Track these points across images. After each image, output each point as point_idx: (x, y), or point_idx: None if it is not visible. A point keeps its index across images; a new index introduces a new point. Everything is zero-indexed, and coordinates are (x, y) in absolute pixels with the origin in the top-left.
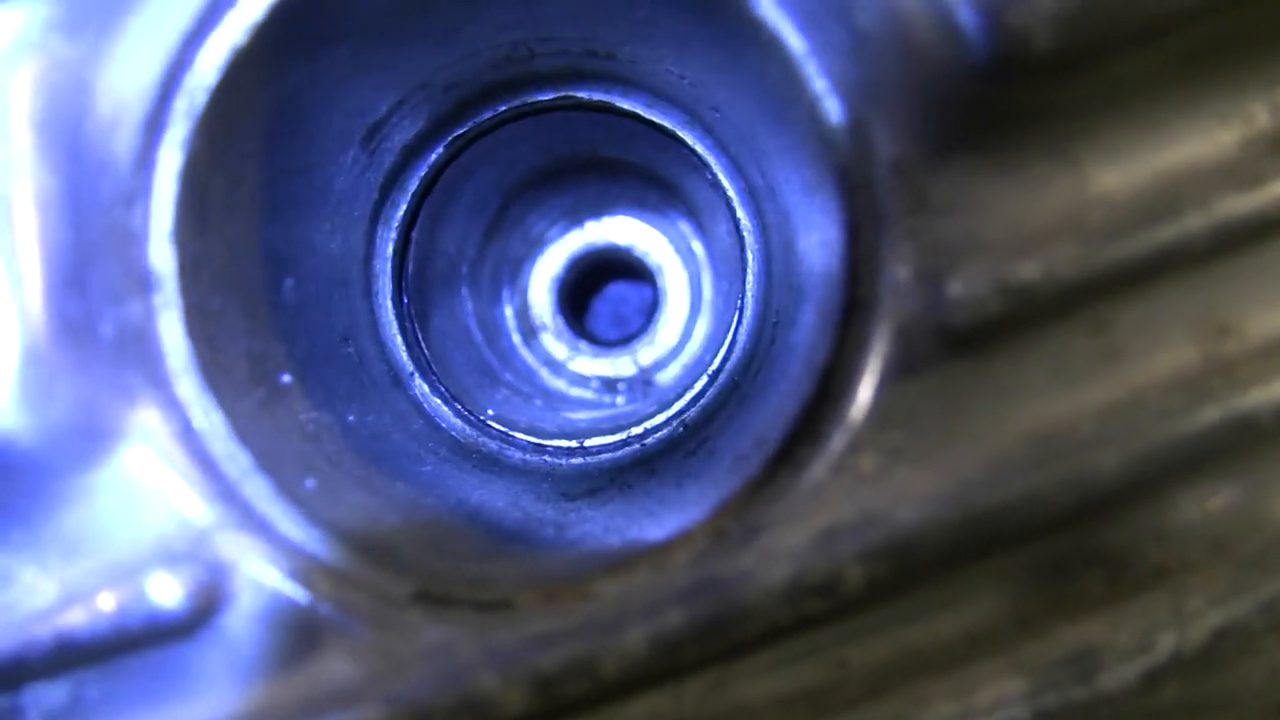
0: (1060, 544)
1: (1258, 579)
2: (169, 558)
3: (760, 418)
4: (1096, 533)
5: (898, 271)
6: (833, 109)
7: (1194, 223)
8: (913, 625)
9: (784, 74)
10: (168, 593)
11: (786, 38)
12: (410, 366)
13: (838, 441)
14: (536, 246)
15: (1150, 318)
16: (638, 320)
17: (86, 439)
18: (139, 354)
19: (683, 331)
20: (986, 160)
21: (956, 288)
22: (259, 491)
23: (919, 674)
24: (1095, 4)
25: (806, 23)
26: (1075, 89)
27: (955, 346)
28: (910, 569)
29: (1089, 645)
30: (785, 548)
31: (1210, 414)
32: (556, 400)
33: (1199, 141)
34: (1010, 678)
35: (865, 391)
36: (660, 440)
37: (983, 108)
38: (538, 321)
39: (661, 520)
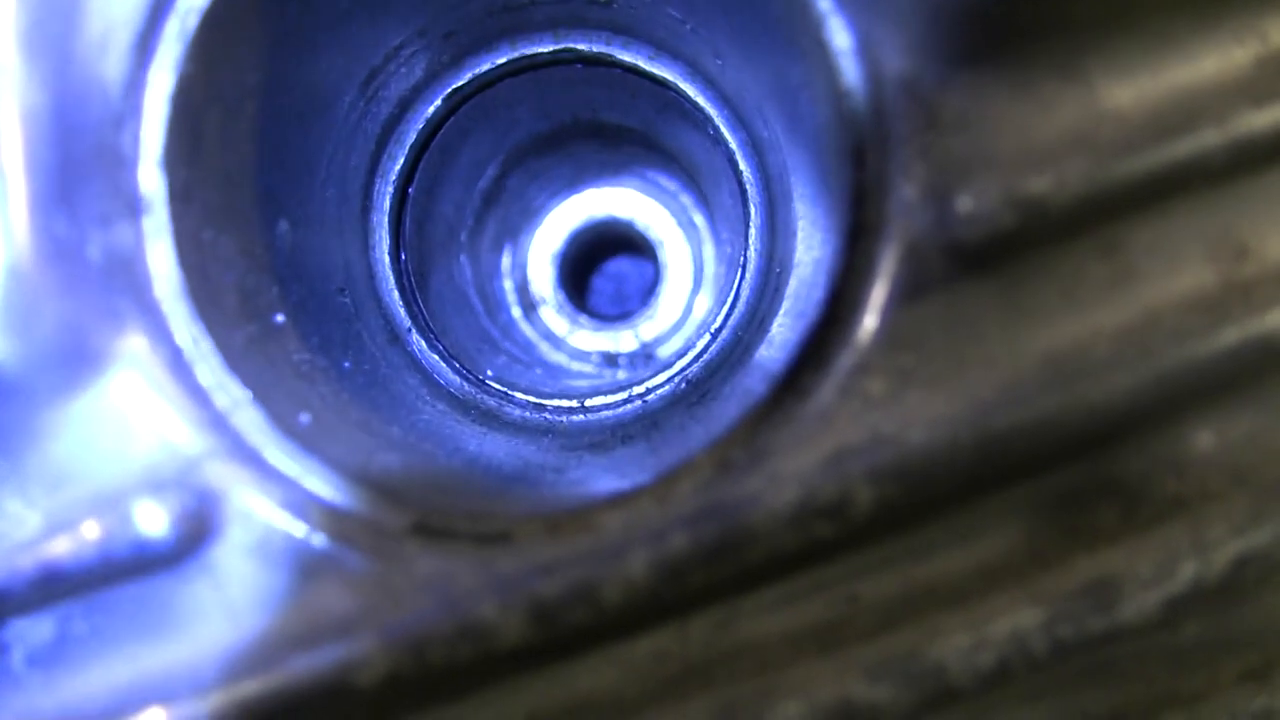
0: (1074, 474)
1: (1279, 508)
2: (156, 486)
3: (766, 356)
4: (1112, 462)
5: (906, 191)
6: (838, 28)
7: (1209, 139)
8: (924, 559)
9: None
10: (154, 521)
11: None
12: (408, 323)
13: (845, 364)
14: (536, 218)
15: (1165, 238)
16: (638, 299)
17: (72, 363)
18: (127, 278)
19: (684, 306)
20: (997, 76)
21: (966, 203)
22: (251, 422)
23: (932, 607)
24: None
25: None
26: (1087, 3)
27: (966, 265)
28: (921, 492)
29: (1107, 575)
30: (793, 471)
31: (1228, 337)
32: (557, 371)
33: (1213, 59)
34: (1026, 608)
35: (873, 313)
36: (662, 397)
37: (993, 22)
38: (537, 295)
39: (666, 458)
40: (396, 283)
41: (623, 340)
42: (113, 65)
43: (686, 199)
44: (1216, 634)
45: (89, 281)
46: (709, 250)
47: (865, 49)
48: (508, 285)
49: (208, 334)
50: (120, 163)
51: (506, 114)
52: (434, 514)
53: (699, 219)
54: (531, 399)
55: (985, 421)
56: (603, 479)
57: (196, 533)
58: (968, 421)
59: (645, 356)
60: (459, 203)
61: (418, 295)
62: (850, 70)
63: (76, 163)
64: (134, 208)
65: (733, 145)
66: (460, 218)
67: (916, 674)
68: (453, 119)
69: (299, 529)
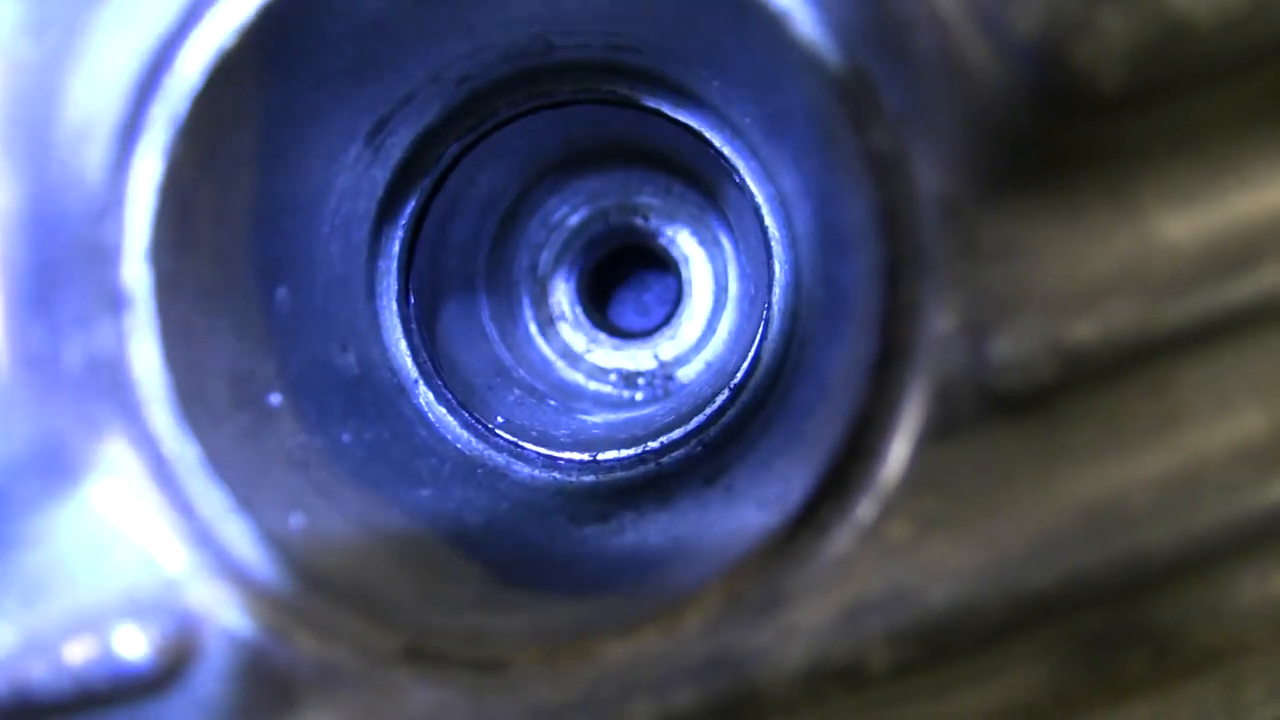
0: (1105, 617)
1: None
2: (137, 608)
3: (784, 460)
4: (1145, 607)
5: (940, 321)
6: (878, 137)
7: (1270, 278)
8: (941, 699)
9: (824, 96)
10: (135, 647)
11: (828, 59)
12: (414, 373)
13: (867, 506)
14: (556, 232)
15: (1216, 380)
16: (660, 310)
17: (49, 473)
18: (108, 381)
19: (705, 326)
20: (1042, 202)
21: (1004, 346)
22: (236, 534)
23: None
24: (1174, 39)
25: (850, 44)
26: (1143, 127)
27: (1000, 408)
28: (941, 650)
29: None
30: (806, 624)
31: (1278, 488)
32: (572, 396)
33: (1277, 188)
34: None
35: (899, 451)
36: (676, 460)
37: (1039, 144)
38: (556, 311)
39: (675, 565)
40: (404, 329)
41: (642, 359)
42: (94, 155)
43: (712, 219)
44: None
45: (67, 386)
46: (732, 271)
47: (902, 161)
48: (525, 302)
49: (193, 436)
50: (102, 258)
51: (527, 144)
52: (427, 635)
53: (724, 239)
54: (542, 450)
55: (1013, 578)
56: (612, 584)
57: (178, 658)
58: (994, 577)
59: (665, 378)
60: (475, 229)
61: (425, 339)
62: (886, 181)
63: (55, 262)
64: (116, 304)
65: (759, 199)
66: (477, 243)
67: None
68: (468, 156)
69: (284, 653)
